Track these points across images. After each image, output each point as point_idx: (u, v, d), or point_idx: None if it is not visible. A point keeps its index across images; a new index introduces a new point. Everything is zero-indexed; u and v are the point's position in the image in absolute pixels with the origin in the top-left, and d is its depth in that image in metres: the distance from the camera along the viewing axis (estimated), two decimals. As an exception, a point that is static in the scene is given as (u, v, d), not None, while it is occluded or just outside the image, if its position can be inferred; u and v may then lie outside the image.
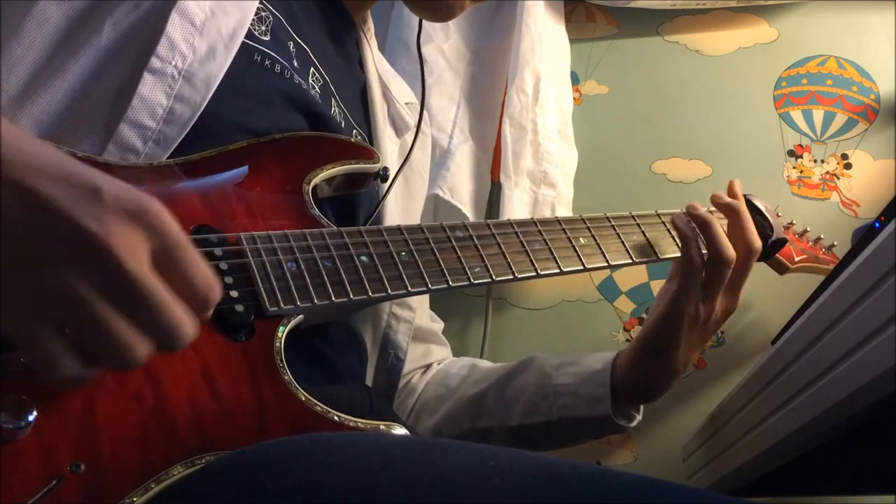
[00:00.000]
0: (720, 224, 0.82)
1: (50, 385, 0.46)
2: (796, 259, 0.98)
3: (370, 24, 0.94)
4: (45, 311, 0.41)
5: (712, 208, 0.88)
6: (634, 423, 0.90)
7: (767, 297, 1.24)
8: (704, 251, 0.80)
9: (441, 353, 1.01)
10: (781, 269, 0.97)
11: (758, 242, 0.83)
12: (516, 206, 1.25)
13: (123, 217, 0.42)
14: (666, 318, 0.80)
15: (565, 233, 0.77)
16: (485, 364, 0.99)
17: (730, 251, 0.79)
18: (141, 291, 0.42)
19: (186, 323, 0.44)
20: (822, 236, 1.03)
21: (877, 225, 0.81)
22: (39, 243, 0.41)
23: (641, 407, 0.90)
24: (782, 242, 0.92)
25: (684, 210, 0.85)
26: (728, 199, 0.85)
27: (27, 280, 0.41)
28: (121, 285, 0.42)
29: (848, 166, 1.32)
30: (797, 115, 1.37)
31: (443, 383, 0.95)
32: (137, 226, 0.43)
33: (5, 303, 0.41)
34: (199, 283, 0.45)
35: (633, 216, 0.84)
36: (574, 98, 1.41)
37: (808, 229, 1.03)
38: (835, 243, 1.03)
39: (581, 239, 0.78)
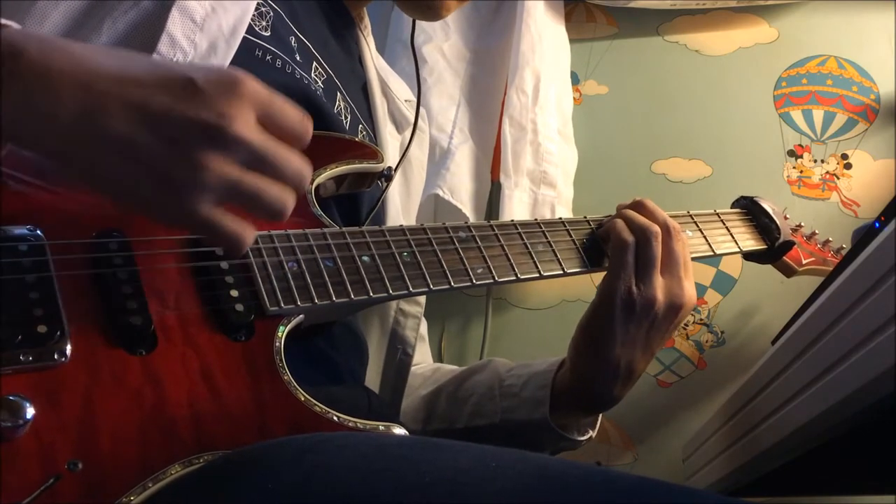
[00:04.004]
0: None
1: (48, 382, 0.46)
2: (804, 262, 0.97)
3: (367, 21, 0.95)
4: (209, 200, 0.48)
5: (710, 210, 0.88)
6: (585, 439, 0.83)
7: (767, 297, 1.24)
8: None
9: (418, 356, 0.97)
10: (789, 271, 0.96)
11: (665, 215, 0.77)
12: (516, 206, 1.25)
13: (224, 96, 0.47)
14: (598, 304, 0.74)
15: (569, 234, 0.77)
16: (449, 367, 0.96)
17: (651, 224, 0.75)
18: (267, 153, 0.49)
19: (301, 163, 0.52)
20: (830, 239, 1.02)
21: (877, 225, 0.81)
22: (176, 150, 0.47)
23: (598, 422, 0.85)
24: (790, 245, 0.92)
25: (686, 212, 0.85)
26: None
27: (184, 182, 0.47)
28: (252, 154, 0.48)
29: (848, 166, 1.32)
30: (797, 115, 1.37)
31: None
32: (237, 98, 0.48)
33: (180, 209, 0.48)
34: (296, 126, 0.52)
35: None
36: (574, 98, 1.41)
37: (817, 231, 1.02)
38: (843, 246, 1.02)
39: (585, 240, 0.77)
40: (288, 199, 0.51)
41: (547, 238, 0.75)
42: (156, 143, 0.46)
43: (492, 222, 0.73)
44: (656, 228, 0.75)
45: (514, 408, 0.82)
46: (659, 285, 0.73)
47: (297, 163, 0.51)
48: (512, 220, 0.74)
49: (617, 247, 0.74)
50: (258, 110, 0.49)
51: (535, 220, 0.76)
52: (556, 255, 0.74)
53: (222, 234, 0.50)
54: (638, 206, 0.78)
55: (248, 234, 0.51)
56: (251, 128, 0.48)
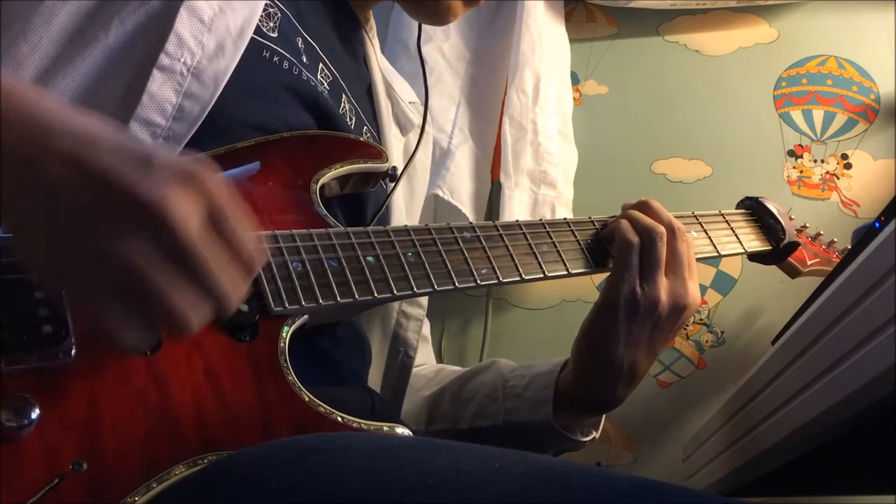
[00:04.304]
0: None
1: (53, 383, 0.47)
2: (809, 263, 0.97)
3: (372, 23, 0.95)
4: (106, 282, 0.42)
5: (715, 210, 0.88)
6: (589, 440, 0.83)
7: (768, 297, 1.25)
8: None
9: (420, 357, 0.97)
10: (794, 272, 0.96)
11: (670, 216, 0.77)
12: (516, 206, 1.25)
13: (176, 183, 0.42)
14: (602, 304, 0.74)
15: (573, 234, 0.76)
16: (452, 368, 0.95)
17: (657, 225, 0.75)
18: (196, 258, 0.43)
19: (236, 288, 0.45)
20: (835, 239, 1.02)
21: (877, 225, 0.81)
22: (98, 213, 0.41)
23: (601, 423, 0.84)
24: (794, 246, 0.92)
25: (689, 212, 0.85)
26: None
27: (87, 251, 0.42)
28: (177, 251, 0.42)
29: (848, 166, 1.33)
30: (797, 115, 1.37)
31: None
32: (190, 191, 0.43)
33: (68, 274, 0.42)
34: (246, 247, 0.46)
35: None
36: (574, 98, 1.41)
37: (822, 232, 1.01)
38: (848, 246, 1.02)
39: (589, 241, 0.77)
40: (194, 319, 0.43)
41: (551, 238, 0.74)
42: (82, 197, 0.41)
43: (496, 222, 0.72)
44: (661, 229, 0.74)
45: (517, 408, 0.82)
46: (663, 286, 0.73)
47: (228, 280, 0.44)
48: (516, 221, 0.74)
49: (621, 247, 0.74)
50: (209, 211, 0.44)
51: (540, 220, 0.76)
52: (560, 256, 0.74)
53: (104, 331, 0.43)
54: (643, 207, 0.78)
55: (137, 342, 0.44)
56: (190, 224, 0.42)
